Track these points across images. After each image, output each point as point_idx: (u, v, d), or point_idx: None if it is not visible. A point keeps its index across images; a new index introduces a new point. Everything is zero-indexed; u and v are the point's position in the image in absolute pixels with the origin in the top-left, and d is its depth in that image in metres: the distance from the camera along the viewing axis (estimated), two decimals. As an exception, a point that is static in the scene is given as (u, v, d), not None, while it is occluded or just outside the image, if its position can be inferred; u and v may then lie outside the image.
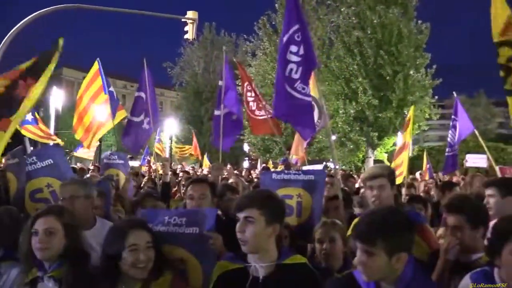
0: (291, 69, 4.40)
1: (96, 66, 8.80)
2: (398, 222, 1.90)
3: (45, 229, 2.36)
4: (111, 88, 8.77)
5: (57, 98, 48.87)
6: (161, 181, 6.27)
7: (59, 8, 11.63)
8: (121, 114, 9.09)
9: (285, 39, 4.43)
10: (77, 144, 21.05)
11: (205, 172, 17.38)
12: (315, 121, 5.81)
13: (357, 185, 9.51)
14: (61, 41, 4.60)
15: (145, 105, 7.49)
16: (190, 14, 13.62)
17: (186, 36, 13.87)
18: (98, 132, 8.75)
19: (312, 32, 25.17)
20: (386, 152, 24.54)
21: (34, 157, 4.30)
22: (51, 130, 45.27)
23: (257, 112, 8.11)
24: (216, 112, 7.49)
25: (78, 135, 9.06)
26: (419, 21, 22.72)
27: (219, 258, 2.48)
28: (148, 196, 4.50)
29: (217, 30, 41.69)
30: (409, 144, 8.91)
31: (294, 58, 4.41)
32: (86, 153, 14.97)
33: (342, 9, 23.73)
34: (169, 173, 6.39)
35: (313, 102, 5.34)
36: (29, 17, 11.15)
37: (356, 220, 2.91)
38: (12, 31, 11.01)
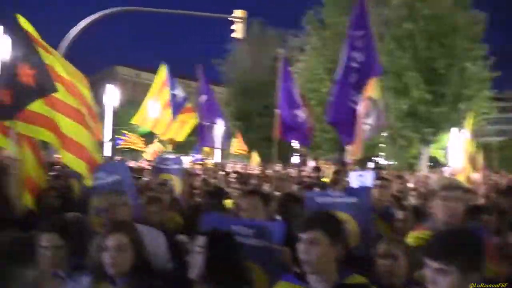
0: (351, 76, 4.34)
1: (163, 71, 9.08)
2: (473, 241, 1.90)
3: (115, 245, 2.44)
4: (175, 91, 9.05)
5: (113, 96, 50.81)
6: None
7: (112, 12, 12.11)
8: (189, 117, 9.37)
9: (348, 44, 4.36)
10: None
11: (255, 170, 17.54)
12: (374, 123, 5.68)
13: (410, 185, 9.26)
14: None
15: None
16: (238, 13, 13.75)
17: (234, 35, 14.04)
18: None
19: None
20: (441, 149, 23.67)
21: (102, 173, 4.44)
22: (109, 127, 46.96)
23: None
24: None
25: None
26: (475, 11, 21.66)
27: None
28: (211, 197, 4.51)
29: (264, 26, 41.72)
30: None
31: (354, 65, 4.34)
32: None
33: (392, 1, 23.01)
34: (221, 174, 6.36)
35: (371, 104, 5.23)
36: (83, 22, 11.68)
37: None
38: (66, 36, 11.58)
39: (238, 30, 13.83)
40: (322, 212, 2.83)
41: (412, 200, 6.04)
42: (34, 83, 4.35)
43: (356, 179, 6.14)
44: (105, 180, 4.35)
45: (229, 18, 13.92)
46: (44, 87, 4.38)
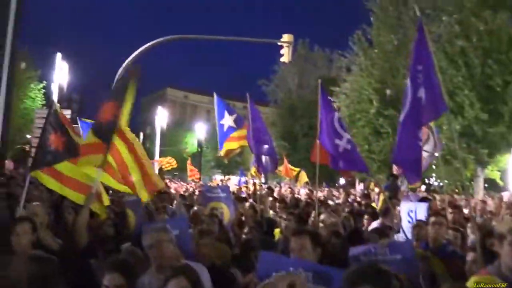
0: (416, 114, 4.16)
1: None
2: None
3: None
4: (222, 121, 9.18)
5: (162, 117, 52.43)
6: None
7: (166, 40, 12.61)
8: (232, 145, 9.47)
9: (411, 79, 4.20)
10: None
11: (302, 191, 17.36)
12: (431, 149, 5.41)
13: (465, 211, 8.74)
14: (138, 68, 5.05)
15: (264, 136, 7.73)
16: (286, 37, 13.91)
17: (282, 59, 14.18)
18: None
19: (411, 44, 24.08)
20: (498, 171, 22.46)
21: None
22: (157, 147, 48.44)
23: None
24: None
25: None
26: (533, 25, 20.61)
27: None
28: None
29: (310, 46, 41.88)
30: None
31: (418, 102, 4.16)
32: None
33: (443, 18, 22.38)
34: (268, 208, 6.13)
35: (429, 131, 5.01)
36: (140, 49, 12.28)
37: None
38: (125, 63, 12.13)
39: (285, 54, 13.96)
40: (371, 265, 2.69)
41: (470, 234, 5.67)
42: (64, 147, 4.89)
43: (407, 215, 5.87)
44: None
45: (278, 43, 14.09)
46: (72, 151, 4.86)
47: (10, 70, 13.35)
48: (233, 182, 23.07)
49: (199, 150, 51.50)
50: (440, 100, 4.20)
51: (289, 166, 21.06)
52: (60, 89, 29.30)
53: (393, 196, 9.65)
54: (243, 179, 21.79)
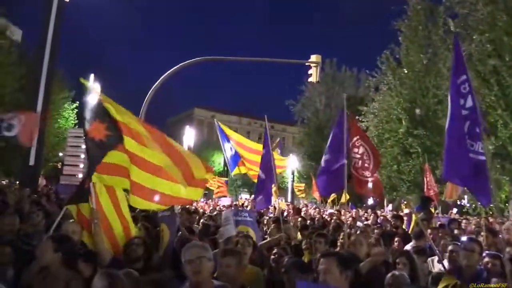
0: (464, 125, 4.05)
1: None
2: None
3: None
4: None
5: (189, 136, 53.10)
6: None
7: (196, 61, 12.86)
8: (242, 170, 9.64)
9: (453, 91, 4.12)
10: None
11: (329, 210, 17.13)
12: None
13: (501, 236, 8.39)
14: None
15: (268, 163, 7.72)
16: (314, 58, 13.98)
17: (310, 79, 14.21)
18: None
19: (441, 63, 23.81)
20: (535, 192, 21.63)
21: None
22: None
23: (360, 172, 7.44)
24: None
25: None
26: None
27: None
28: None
29: (338, 66, 41.88)
30: None
31: (464, 112, 4.07)
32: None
33: (474, 37, 22.02)
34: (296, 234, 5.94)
35: None
36: (171, 70, 12.56)
37: None
38: (155, 85, 12.41)
39: (313, 75, 14.01)
40: None
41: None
42: (105, 136, 4.72)
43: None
44: None
45: (306, 64, 14.18)
46: (115, 138, 4.74)
47: (46, 91, 13.87)
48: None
49: (225, 169, 51.72)
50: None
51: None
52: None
53: (427, 218, 9.38)
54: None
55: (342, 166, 6.81)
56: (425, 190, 13.46)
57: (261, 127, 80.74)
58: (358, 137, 7.60)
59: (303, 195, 22.41)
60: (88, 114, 4.82)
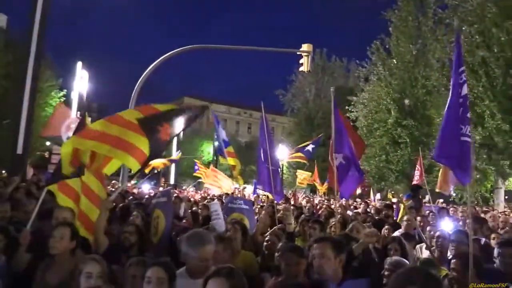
0: (458, 111, 4.25)
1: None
2: None
3: None
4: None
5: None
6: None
7: (186, 49, 12.75)
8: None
9: (454, 81, 4.32)
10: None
11: (318, 199, 17.26)
12: None
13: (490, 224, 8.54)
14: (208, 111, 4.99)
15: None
16: (305, 47, 13.96)
17: (301, 69, 14.21)
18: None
19: (430, 54, 23.97)
20: (519, 182, 22.04)
21: None
22: (173, 155, 48.87)
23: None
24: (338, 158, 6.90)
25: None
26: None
27: None
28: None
29: (328, 56, 41.88)
30: None
31: (460, 100, 4.27)
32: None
33: (463, 28, 22.18)
34: (292, 222, 5.98)
35: None
36: (161, 58, 12.45)
37: None
38: (145, 72, 12.29)
39: (305, 64, 14.01)
40: (416, 268, 2.59)
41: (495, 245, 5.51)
42: (166, 142, 4.71)
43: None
44: None
45: (297, 53, 14.16)
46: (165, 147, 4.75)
47: (33, 79, 13.65)
48: (248, 191, 23.03)
49: (215, 158, 51.67)
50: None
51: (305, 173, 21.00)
52: (80, 97, 29.84)
53: (417, 206, 9.48)
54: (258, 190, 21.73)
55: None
56: (416, 179, 13.61)
57: (251, 117, 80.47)
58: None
59: (305, 185, 22.44)
60: None
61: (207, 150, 59.42)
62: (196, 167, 20.62)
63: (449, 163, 4.42)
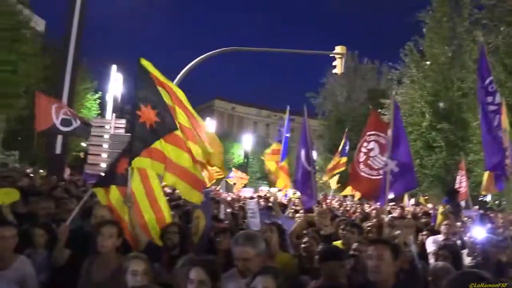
0: (491, 119, 4.25)
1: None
2: None
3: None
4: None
5: (210, 128, 53.12)
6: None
7: (218, 52, 12.89)
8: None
9: (482, 92, 4.35)
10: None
11: (348, 203, 17.02)
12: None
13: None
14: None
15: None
16: (338, 49, 13.85)
17: (334, 71, 14.11)
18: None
19: (466, 55, 23.31)
20: (563, 188, 21.09)
21: None
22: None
23: (361, 166, 7.29)
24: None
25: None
26: None
27: None
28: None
29: (360, 58, 41.40)
30: None
31: (491, 108, 4.27)
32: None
33: (501, 29, 21.48)
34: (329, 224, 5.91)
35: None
36: (194, 61, 12.62)
37: None
38: (179, 76, 12.48)
39: (338, 66, 13.90)
40: (472, 273, 2.49)
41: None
42: (156, 123, 4.71)
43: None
44: None
45: (330, 55, 14.07)
46: (166, 125, 4.77)
47: (71, 82, 14.09)
48: (280, 194, 22.91)
49: (245, 161, 51.88)
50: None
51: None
52: (115, 99, 30.57)
53: (456, 211, 9.20)
54: (288, 192, 21.62)
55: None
56: (460, 187, 13.12)
57: (281, 120, 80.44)
58: (372, 132, 7.44)
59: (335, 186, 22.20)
60: (139, 94, 4.76)
61: (238, 152, 59.68)
62: (232, 175, 20.72)
63: (498, 170, 4.41)
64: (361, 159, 7.31)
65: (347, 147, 14.66)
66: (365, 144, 7.39)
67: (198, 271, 2.93)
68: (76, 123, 10.27)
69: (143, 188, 4.82)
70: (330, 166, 15.01)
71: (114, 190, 4.83)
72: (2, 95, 18.37)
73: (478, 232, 6.22)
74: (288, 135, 10.06)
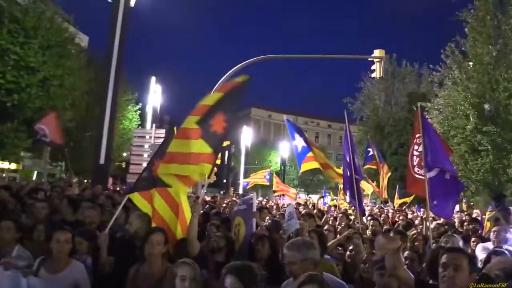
0: None
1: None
2: None
3: None
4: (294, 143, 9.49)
5: (247, 136, 53.61)
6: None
7: (256, 60, 12.97)
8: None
9: None
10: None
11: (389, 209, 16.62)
12: None
13: None
14: (246, 78, 5.05)
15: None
16: (377, 52, 13.62)
17: (373, 75, 13.87)
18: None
19: (511, 54, 22.37)
20: None
21: None
22: (242, 165, 49.56)
23: (416, 169, 7.12)
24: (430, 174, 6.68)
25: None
26: None
27: None
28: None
29: (398, 61, 40.60)
30: None
31: None
32: None
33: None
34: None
35: None
36: (234, 68, 12.74)
37: None
38: (217, 84, 12.63)
39: (377, 70, 13.66)
40: None
41: None
42: (224, 130, 4.84)
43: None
44: None
45: (369, 59, 13.85)
46: (229, 134, 4.91)
47: (113, 95, 14.53)
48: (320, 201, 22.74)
49: (283, 168, 51.76)
50: None
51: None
52: (154, 110, 31.33)
53: (504, 216, 8.75)
54: (326, 199, 21.43)
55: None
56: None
57: (318, 126, 79.97)
58: (420, 134, 7.15)
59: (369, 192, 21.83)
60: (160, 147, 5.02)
61: (275, 160, 59.64)
62: (268, 176, 20.76)
63: None
64: (415, 162, 7.17)
65: (379, 154, 14.34)
66: (415, 147, 7.23)
67: (232, 278, 2.95)
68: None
69: (167, 205, 4.89)
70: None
71: (155, 194, 4.89)
72: (51, 108, 19.22)
73: None
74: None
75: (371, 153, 15.51)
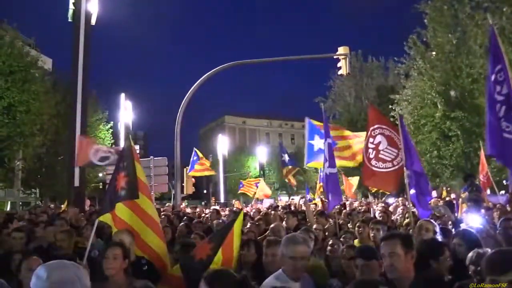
0: (498, 109, 4.26)
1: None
2: None
3: None
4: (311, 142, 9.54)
5: (223, 144, 53.39)
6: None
7: (223, 67, 12.99)
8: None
9: (492, 78, 4.36)
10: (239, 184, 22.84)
11: (370, 201, 16.84)
12: None
13: None
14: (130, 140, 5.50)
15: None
16: (341, 50, 13.83)
17: (340, 72, 14.08)
18: None
19: (471, 40, 23.05)
20: None
21: None
22: (221, 174, 49.33)
23: (373, 162, 7.09)
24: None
25: None
26: None
27: None
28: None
29: (364, 57, 41.33)
30: None
31: (499, 98, 4.26)
32: None
33: (504, 9, 21.20)
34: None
35: None
36: (202, 77, 12.73)
37: None
38: (187, 94, 12.60)
39: (343, 67, 13.87)
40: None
41: None
42: (124, 187, 4.95)
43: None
44: None
45: (334, 57, 14.05)
46: (131, 192, 4.95)
47: (82, 115, 14.28)
48: (301, 201, 22.82)
49: (262, 173, 51.84)
50: None
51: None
52: (126, 127, 30.94)
53: (475, 198, 8.98)
54: (309, 196, 21.54)
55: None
56: (482, 176, 12.89)
57: (293, 128, 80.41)
58: (376, 126, 7.27)
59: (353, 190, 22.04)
60: (120, 161, 5.18)
61: (253, 165, 59.66)
62: (241, 185, 20.87)
63: (501, 160, 4.44)
64: (372, 155, 7.15)
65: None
66: (370, 139, 7.19)
67: (204, 286, 2.80)
68: (113, 157, 11.03)
69: (137, 217, 4.92)
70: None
71: (121, 208, 4.87)
72: (18, 135, 18.77)
73: (473, 221, 6.00)
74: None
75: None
